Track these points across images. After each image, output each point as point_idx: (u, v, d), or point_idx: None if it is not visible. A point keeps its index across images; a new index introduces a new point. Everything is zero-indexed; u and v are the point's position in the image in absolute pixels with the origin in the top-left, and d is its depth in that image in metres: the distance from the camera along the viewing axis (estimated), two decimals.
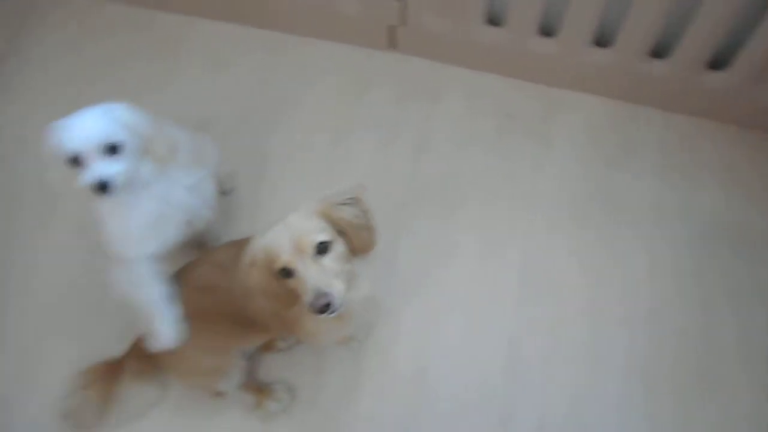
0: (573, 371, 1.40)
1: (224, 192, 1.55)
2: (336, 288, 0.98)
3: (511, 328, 1.44)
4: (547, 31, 1.55)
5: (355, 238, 1.03)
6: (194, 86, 1.77)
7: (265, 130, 1.71)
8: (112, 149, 1.06)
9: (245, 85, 1.78)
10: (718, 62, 1.47)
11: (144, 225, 1.15)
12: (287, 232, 0.99)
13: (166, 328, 1.17)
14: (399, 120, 1.70)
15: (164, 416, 1.41)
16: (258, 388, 1.40)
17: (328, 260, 1.00)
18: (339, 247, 1.02)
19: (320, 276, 0.98)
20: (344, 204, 1.04)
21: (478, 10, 1.52)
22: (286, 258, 0.98)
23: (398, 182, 1.63)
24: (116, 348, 1.35)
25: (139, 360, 1.38)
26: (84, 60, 1.84)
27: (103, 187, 1.05)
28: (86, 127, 1.05)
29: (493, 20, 1.58)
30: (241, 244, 1.24)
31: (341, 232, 1.02)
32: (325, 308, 0.97)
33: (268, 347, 1.44)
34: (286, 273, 1.00)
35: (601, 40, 1.53)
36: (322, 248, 0.99)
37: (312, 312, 0.98)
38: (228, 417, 1.40)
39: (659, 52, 1.50)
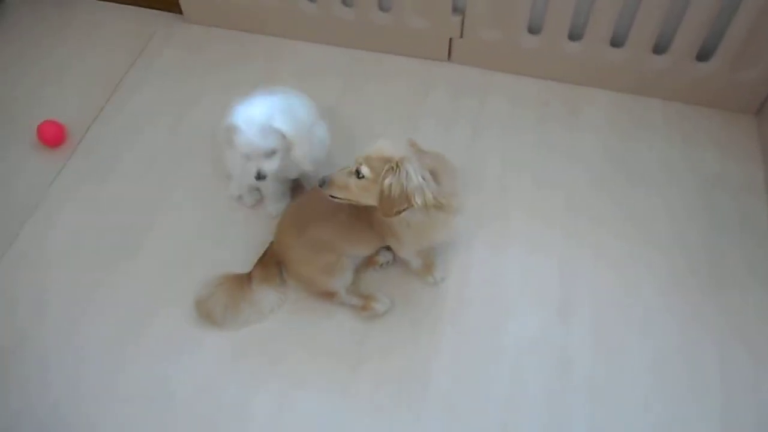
0: (615, 278, 1.75)
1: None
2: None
3: (561, 250, 1.80)
4: (574, 36, 2.05)
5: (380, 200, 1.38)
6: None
7: (350, 124, 2.12)
8: (271, 152, 1.58)
9: (332, 91, 2.22)
10: (703, 55, 1.97)
11: None
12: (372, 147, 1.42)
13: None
14: (455, 112, 2.15)
15: (282, 318, 1.71)
16: (363, 295, 1.71)
17: (356, 182, 1.42)
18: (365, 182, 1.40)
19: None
20: (407, 172, 1.35)
21: (524, 20, 2.02)
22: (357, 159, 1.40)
23: (455, 155, 1.98)
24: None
25: (265, 268, 1.70)
26: (199, 65, 2.34)
27: (261, 176, 1.60)
28: (253, 140, 1.54)
29: (533, 29, 2.08)
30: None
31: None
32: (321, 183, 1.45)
33: (369, 263, 1.77)
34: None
35: (616, 42, 2.02)
36: (357, 174, 1.41)
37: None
38: (335, 320, 1.70)
39: (659, 48, 1.99)
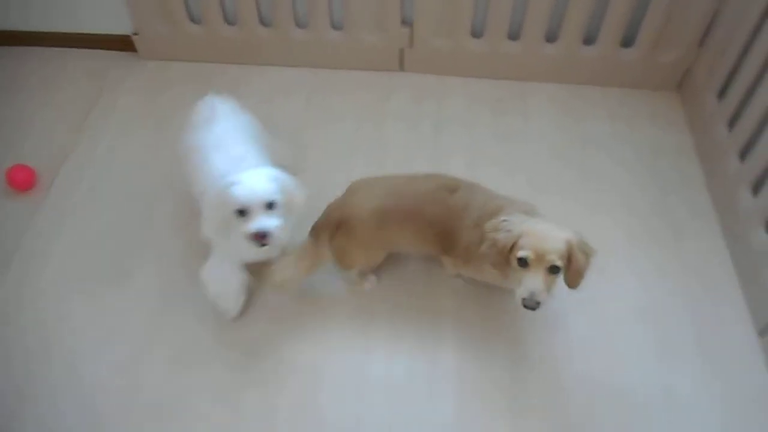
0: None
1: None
2: (544, 299, 1.36)
3: None
4: (513, 36, 2.26)
5: (571, 275, 1.38)
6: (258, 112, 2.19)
7: (322, 130, 2.27)
8: (270, 204, 1.45)
9: (296, 109, 2.35)
10: (627, 41, 2.22)
11: None
12: (542, 238, 1.35)
13: None
14: (417, 114, 2.31)
15: (289, 317, 1.78)
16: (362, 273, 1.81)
17: (552, 278, 1.37)
18: (561, 274, 1.38)
19: (540, 286, 1.35)
20: (583, 249, 1.38)
21: (467, 26, 2.22)
22: (529, 255, 1.34)
23: (422, 152, 2.20)
24: None
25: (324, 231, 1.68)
26: (162, 100, 2.40)
27: (264, 237, 1.45)
28: (255, 186, 1.43)
29: (476, 33, 2.28)
30: (438, 176, 1.70)
31: (568, 262, 1.36)
32: (530, 308, 1.36)
33: None
34: (521, 262, 1.36)
35: (550, 37, 2.25)
36: (555, 270, 1.36)
37: (517, 302, 1.38)
38: (340, 314, 1.79)
39: (589, 40, 2.24)
